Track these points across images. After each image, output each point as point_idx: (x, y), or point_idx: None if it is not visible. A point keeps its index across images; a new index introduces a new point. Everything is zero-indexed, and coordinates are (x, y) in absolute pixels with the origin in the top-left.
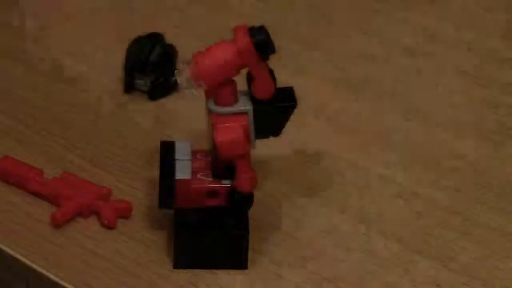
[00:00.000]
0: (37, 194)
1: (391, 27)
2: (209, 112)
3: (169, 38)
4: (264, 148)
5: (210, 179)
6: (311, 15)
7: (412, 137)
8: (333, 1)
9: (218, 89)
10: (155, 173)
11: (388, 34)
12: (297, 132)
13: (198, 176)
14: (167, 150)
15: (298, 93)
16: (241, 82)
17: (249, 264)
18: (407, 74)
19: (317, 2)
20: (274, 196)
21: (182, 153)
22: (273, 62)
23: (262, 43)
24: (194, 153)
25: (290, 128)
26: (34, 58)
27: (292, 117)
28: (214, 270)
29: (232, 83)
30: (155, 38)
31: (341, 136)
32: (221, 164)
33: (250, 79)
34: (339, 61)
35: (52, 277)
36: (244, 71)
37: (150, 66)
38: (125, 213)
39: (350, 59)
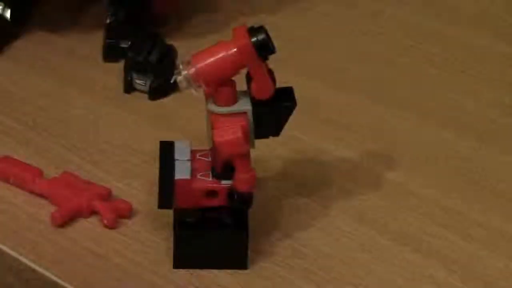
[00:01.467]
0: (37, 194)
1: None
2: (209, 112)
3: (169, 38)
4: (264, 148)
5: (210, 179)
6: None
7: (415, 137)
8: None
9: (217, 89)
10: (155, 173)
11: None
12: (297, 131)
13: (198, 176)
14: (166, 150)
15: (297, 93)
16: (241, 82)
17: (249, 264)
18: (408, 74)
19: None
20: (274, 196)
21: (181, 153)
22: (273, 62)
23: (261, 43)
24: (193, 153)
25: (290, 127)
26: (34, 59)
27: (291, 116)
28: (214, 270)
29: (232, 83)
30: (154, 38)
31: (342, 136)
32: (221, 164)
33: (249, 79)
34: (339, 61)
35: (52, 277)
36: (244, 71)
37: (150, 66)
38: (124, 213)
39: (349, 59)
